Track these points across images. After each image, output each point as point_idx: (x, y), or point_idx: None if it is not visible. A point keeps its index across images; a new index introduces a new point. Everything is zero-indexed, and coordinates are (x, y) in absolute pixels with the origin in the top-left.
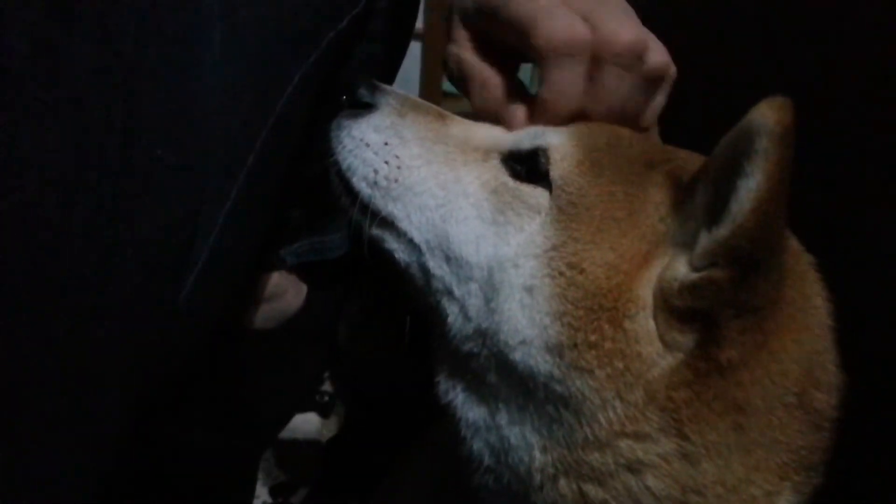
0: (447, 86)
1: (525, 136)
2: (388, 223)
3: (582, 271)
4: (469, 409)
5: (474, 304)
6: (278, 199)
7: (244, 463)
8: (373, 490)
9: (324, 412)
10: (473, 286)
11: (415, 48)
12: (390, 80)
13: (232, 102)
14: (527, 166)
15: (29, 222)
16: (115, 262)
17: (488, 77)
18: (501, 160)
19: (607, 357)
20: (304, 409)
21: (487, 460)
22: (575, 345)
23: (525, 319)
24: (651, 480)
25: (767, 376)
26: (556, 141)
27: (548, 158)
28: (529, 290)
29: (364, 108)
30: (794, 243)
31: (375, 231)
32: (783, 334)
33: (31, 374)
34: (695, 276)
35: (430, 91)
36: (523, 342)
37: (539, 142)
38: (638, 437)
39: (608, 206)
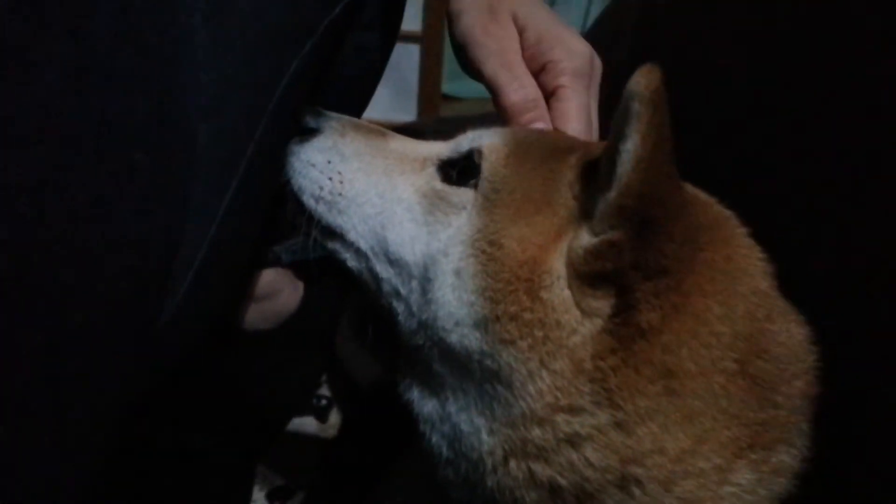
0: (446, 88)
1: (464, 140)
2: (338, 235)
3: (500, 247)
4: (423, 404)
5: (415, 299)
6: (276, 193)
7: (241, 467)
8: (370, 493)
9: (321, 416)
10: (414, 283)
11: (413, 50)
12: (382, 67)
13: (231, 94)
14: (460, 167)
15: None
16: (94, 267)
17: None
18: (437, 167)
19: (527, 327)
20: (301, 413)
21: (446, 452)
22: (497, 317)
23: (455, 301)
24: (590, 452)
25: (695, 338)
26: (489, 140)
27: (481, 155)
28: (457, 272)
29: (310, 133)
30: (718, 211)
31: (329, 244)
32: (706, 297)
33: (11, 380)
34: (595, 240)
35: (428, 93)
36: (457, 323)
37: (475, 143)
38: (572, 409)
39: (526, 189)
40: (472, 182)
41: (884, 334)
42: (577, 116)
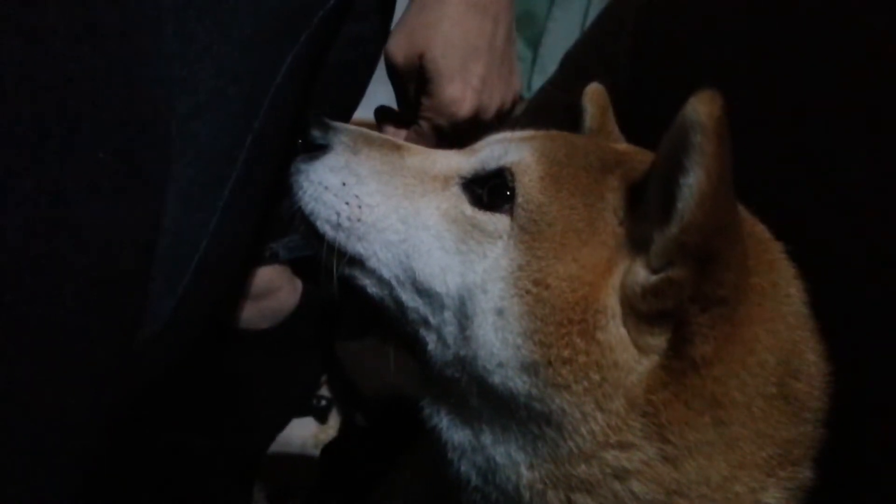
0: None
1: (489, 156)
2: (357, 261)
3: (547, 287)
4: (454, 432)
5: (450, 331)
6: (274, 186)
7: (241, 468)
8: (370, 495)
9: (321, 416)
10: (448, 314)
11: None
12: (377, 58)
13: (231, 83)
14: (490, 187)
15: None
16: (62, 272)
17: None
18: (462, 186)
19: (583, 370)
20: (301, 413)
21: (475, 481)
22: (549, 362)
23: (499, 342)
24: (636, 486)
25: (744, 368)
26: (517, 157)
27: (513, 176)
28: (500, 312)
29: (319, 149)
30: (760, 231)
31: (346, 270)
32: (754, 324)
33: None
34: (654, 278)
35: None
36: (500, 365)
37: (504, 161)
38: (623, 446)
39: (568, 219)
40: (506, 207)
41: (883, 336)
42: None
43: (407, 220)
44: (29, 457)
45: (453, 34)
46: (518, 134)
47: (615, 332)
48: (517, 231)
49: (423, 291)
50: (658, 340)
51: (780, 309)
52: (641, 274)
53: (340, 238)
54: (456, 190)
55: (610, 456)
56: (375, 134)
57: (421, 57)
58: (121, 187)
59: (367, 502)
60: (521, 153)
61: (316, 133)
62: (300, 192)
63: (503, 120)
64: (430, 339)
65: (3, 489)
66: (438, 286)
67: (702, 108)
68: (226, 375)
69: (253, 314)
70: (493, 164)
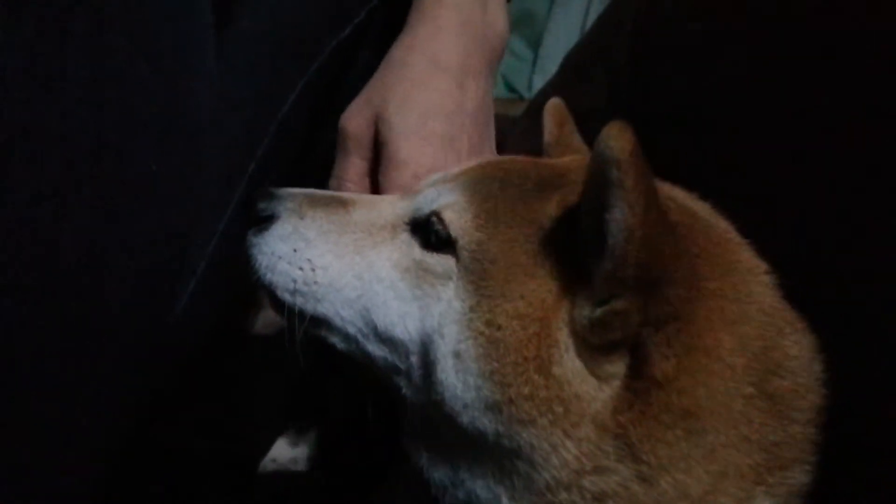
0: None
1: (423, 200)
2: (322, 322)
3: (499, 327)
4: (434, 469)
5: (418, 375)
6: None
7: (241, 468)
8: (369, 495)
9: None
10: (413, 359)
11: None
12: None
13: (232, 111)
14: (432, 232)
15: (22, 235)
16: (110, 273)
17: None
18: (410, 231)
19: (545, 405)
20: (300, 414)
21: None
22: (511, 400)
23: (461, 384)
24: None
25: (710, 376)
26: (450, 199)
27: (443, 221)
28: (457, 355)
29: (267, 220)
30: (718, 232)
31: (313, 330)
32: (715, 330)
33: (24, 382)
34: (599, 311)
35: None
36: (465, 406)
37: (434, 205)
38: (599, 470)
39: (510, 254)
40: (451, 249)
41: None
42: None
43: (361, 276)
44: (62, 448)
45: (413, 93)
46: (452, 172)
47: (571, 365)
48: (464, 272)
49: (387, 341)
50: (616, 367)
51: (744, 309)
52: (586, 308)
53: (300, 303)
54: (405, 237)
55: (587, 482)
56: (320, 193)
57: (376, 121)
58: (167, 196)
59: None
60: (454, 194)
61: (262, 205)
62: (257, 265)
63: None
64: (402, 384)
65: (29, 482)
66: (400, 334)
67: (615, 144)
68: (227, 377)
69: (259, 321)
70: (426, 209)
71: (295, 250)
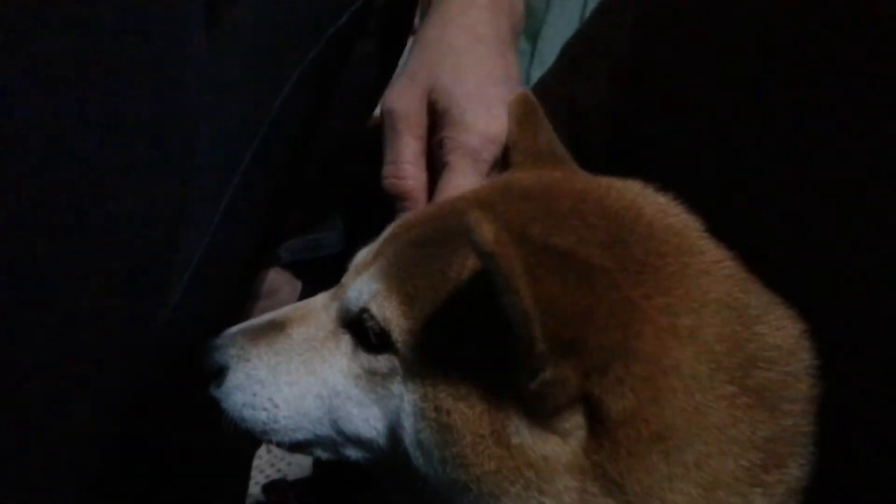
0: None
1: (351, 296)
2: (303, 444)
3: (448, 412)
4: None
5: (399, 464)
6: (277, 199)
7: (236, 461)
8: (366, 488)
9: None
10: (390, 454)
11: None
12: (389, 76)
13: (226, 100)
14: (368, 330)
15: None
16: (95, 260)
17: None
18: (351, 336)
19: (514, 474)
20: None
21: None
22: (477, 478)
23: (431, 471)
24: None
25: (673, 394)
26: (372, 289)
27: (374, 318)
28: (419, 445)
29: (220, 373)
30: (663, 241)
31: (298, 451)
32: (670, 348)
33: (8, 374)
34: (533, 385)
35: None
36: (443, 487)
37: (361, 301)
38: None
39: (435, 332)
40: (389, 346)
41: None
42: (453, 194)
43: (321, 395)
44: (52, 441)
45: (463, 63)
46: (374, 246)
47: (528, 432)
48: (406, 364)
49: (362, 444)
50: (573, 421)
51: (699, 316)
52: (521, 381)
53: (277, 438)
54: (347, 341)
55: None
56: (257, 324)
57: (429, 94)
58: (155, 182)
59: (364, 496)
60: (375, 282)
61: (207, 361)
62: (231, 421)
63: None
64: (388, 470)
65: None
66: (370, 435)
67: (478, 239)
68: None
69: (254, 314)
70: (355, 307)
71: (254, 395)
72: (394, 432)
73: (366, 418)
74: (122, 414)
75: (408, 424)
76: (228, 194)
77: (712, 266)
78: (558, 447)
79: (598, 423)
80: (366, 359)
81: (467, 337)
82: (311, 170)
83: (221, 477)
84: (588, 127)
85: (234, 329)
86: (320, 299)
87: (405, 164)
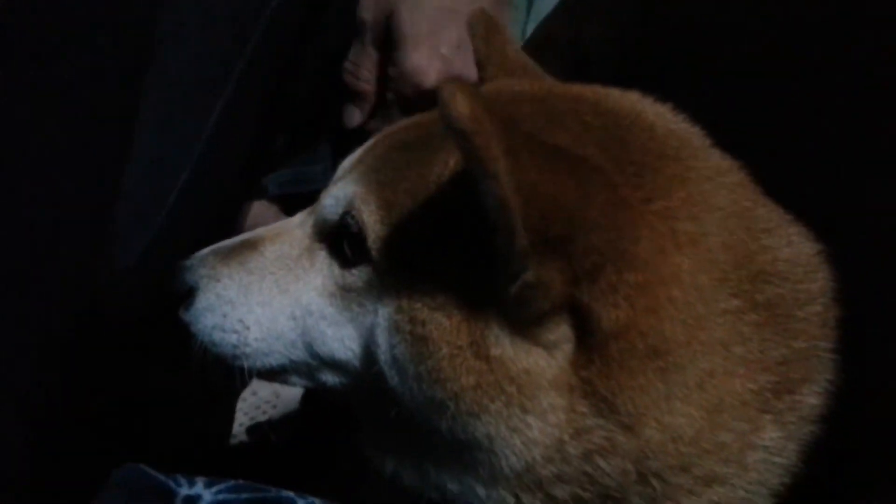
0: None
1: (327, 205)
2: (277, 370)
3: (423, 323)
4: (404, 473)
5: (372, 390)
6: (264, 120)
7: (219, 403)
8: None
9: None
10: (365, 375)
11: None
12: None
13: (211, 7)
14: (346, 240)
15: None
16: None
17: None
18: (328, 249)
19: (494, 389)
20: None
21: None
22: (455, 394)
23: (406, 390)
24: (604, 464)
25: (673, 306)
26: (350, 192)
27: (356, 220)
28: (395, 361)
29: (189, 294)
30: (664, 143)
31: (271, 379)
32: (668, 255)
33: None
34: (513, 288)
35: None
36: (418, 409)
37: (345, 204)
38: (579, 432)
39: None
40: (365, 256)
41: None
42: None
43: (294, 315)
44: None
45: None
46: (351, 161)
47: (508, 343)
48: (379, 276)
49: (336, 367)
50: (559, 332)
51: (702, 223)
52: (501, 285)
53: (249, 363)
54: (323, 258)
55: (571, 448)
56: (229, 244)
57: (389, 18)
58: (90, 108)
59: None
60: (353, 188)
61: (178, 280)
62: (198, 342)
63: None
64: (362, 402)
65: None
66: (344, 356)
67: (453, 113)
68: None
69: None
70: (337, 210)
71: (224, 316)
72: (368, 352)
73: (340, 338)
74: (98, 354)
75: (382, 340)
76: (217, 108)
77: (717, 173)
78: (542, 360)
79: (587, 336)
80: (340, 274)
81: (445, 242)
82: (301, 89)
83: (204, 419)
84: (595, 66)
85: (205, 250)
86: (296, 217)
87: (363, 70)
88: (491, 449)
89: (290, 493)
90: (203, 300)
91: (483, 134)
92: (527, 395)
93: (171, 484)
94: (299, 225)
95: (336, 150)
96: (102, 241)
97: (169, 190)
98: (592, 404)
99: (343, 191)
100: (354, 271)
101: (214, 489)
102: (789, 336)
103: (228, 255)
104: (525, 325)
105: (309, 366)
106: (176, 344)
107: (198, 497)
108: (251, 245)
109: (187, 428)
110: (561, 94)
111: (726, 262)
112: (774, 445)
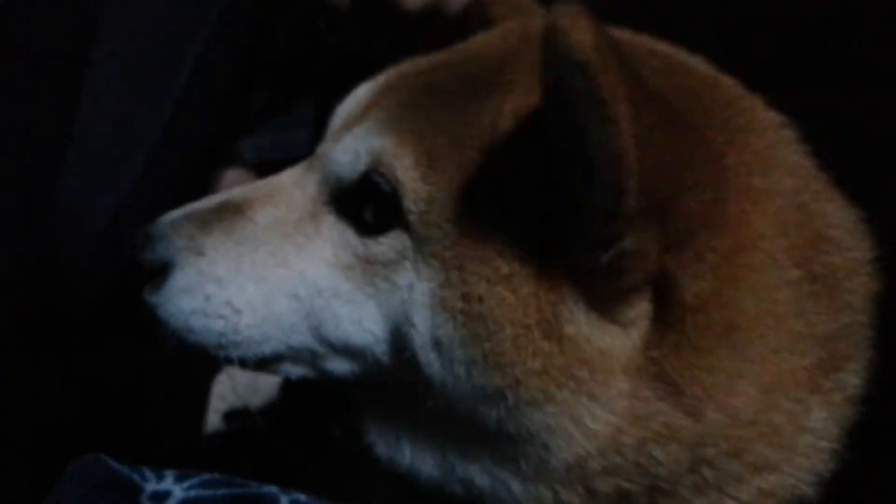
0: None
1: (340, 160)
2: (271, 359)
3: (480, 299)
4: (421, 465)
5: (395, 376)
6: (237, 79)
7: (193, 386)
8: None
9: None
10: (386, 360)
11: None
12: None
13: None
14: (369, 203)
15: None
16: None
17: None
18: (336, 211)
19: (564, 374)
20: None
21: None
22: (517, 381)
23: (450, 376)
24: (658, 452)
25: (753, 274)
26: (378, 145)
27: (386, 177)
28: (437, 344)
29: (161, 271)
30: (724, 92)
31: (262, 370)
32: (748, 216)
33: None
34: (605, 258)
35: None
36: (461, 397)
37: (364, 162)
38: (638, 420)
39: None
40: (398, 220)
41: None
42: None
43: (297, 294)
44: None
45: None
46: (358, 103)
47: (585, 319)
48: (419, 244)
49: (351, 354)
50: (638, 308)
51: (771, 178)
52: (586, 252)
53: (239, 353)
54: (332, 221)
55: (626, 438)
56: (206, 207)
57: None
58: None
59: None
60: (379, 139)
61: (147, 255)
62: (169, 331)
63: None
64: (374, 382)
65: None
66: (361, 341)
67: (572, 42)
68: None
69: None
70: (352, 172)
71: (207, 298)
72: (397, 334)
73: (358, 319)
74: (63, 328)
75: (420, 321)
76: (190, 60)
77: (774, 126)
78: (619, 340)
79: (665, 311)
80: (360, 243)
81: (507, 203)
82: (277, 42)
83: (176, 404)
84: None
85: (176, 213)
86: (287, 176)
87: None
88: (544, 442)
89: (274, 489)
90: (181, 279)
91: (610, 70)
92: (598, 381)
93: (137, 478)
94: (296, 184)
95: (320, 107)
96: (50, 207)
97: (137, 149)
98: (658, 388)
99: (363, 143)
100: (382, 239)
101: (186, 484)
102: (836, 309)
103: (208, 221)
104: (607, 300)
105: (313, 353)
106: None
107: (167, 493)
108: (236, 209)
109: (156, 413)
110: (628, 41)
111: (793, 224)
112: (821, 428)
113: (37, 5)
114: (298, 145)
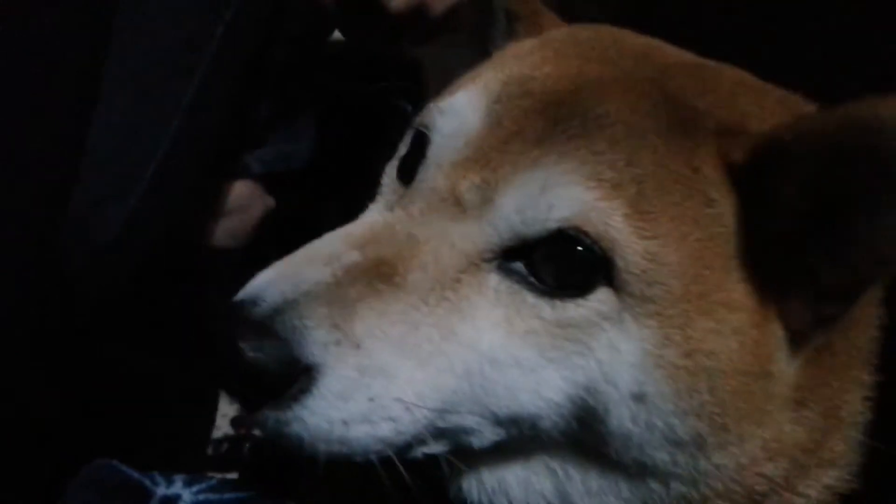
0: None
1: (525, 210)
2: (412, 446)
3: (708, 353)
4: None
5: (563, 429)
6: (244, 91)
7: (202, 392)
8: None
9: None
10: (555, 424)
11: None
12: None
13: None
14: (559, 258)
15: None
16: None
17: None
18: (498, 270)
19: (757, 413)
20: None
21: None
22: (724, 426)
23: (641, 428)
24: (769, 467)
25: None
26: (585, 197)
27: (591, 235)
28: (639, 398)
29: (292, 376)
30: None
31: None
32: None
33: None
34: (833, 310)
35: None
36: (640, 446)
37: (557, 213)
38: (774, 449)
39: (690, 256)
40: (598, 278)
41: None
42: None
43: (469, 369)
44: None
45: None
46: (497, 133)
47: (786, 356)
48: (631, 303)
49: (517, 423)
50: (819, 338)
51: None
52: (806, 305)
53: (412, 449)
54: (496, 282)
55: (765, 468)
56: (324, 276)
57: None
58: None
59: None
60: (577, 190)
61: (273, 364)
62: (312, 451)
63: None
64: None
65: None
66: (536, 408)
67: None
68: (186, 294)
69: (222, 231)
70: (539, 229)
71: (372, 399)
72: (583, 397)
73: (535, 388)
74: (74, 338)
75: (622, 380)
76: (198, 73)
77: None
78: (794, 370)
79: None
80: (546, 305)
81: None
82: (278, 57)
83: (184, 408)
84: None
85: (285, 286)
86: (411, 221)
87: None
88: (695, 478)
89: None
90: (334, 383)
91: None
92: (774, 413)
93: (147, 482)
94: (438, 236)
95: (322, 118)
96: (60, 220)
97: (147, 162)
98: (794, 412)
99: (554, 195)
100: (583, 302)
101: (195, 488)
102: (877, 297)
103: (346, 298)
104: (806, 337)
105: (465, 429)
106: (158, 328)
107: (176, 497)
108: (385, 277)
109: (166, 419)
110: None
111: None
112: (863, 420)
113: (50, 19)
114: (301, 156)
